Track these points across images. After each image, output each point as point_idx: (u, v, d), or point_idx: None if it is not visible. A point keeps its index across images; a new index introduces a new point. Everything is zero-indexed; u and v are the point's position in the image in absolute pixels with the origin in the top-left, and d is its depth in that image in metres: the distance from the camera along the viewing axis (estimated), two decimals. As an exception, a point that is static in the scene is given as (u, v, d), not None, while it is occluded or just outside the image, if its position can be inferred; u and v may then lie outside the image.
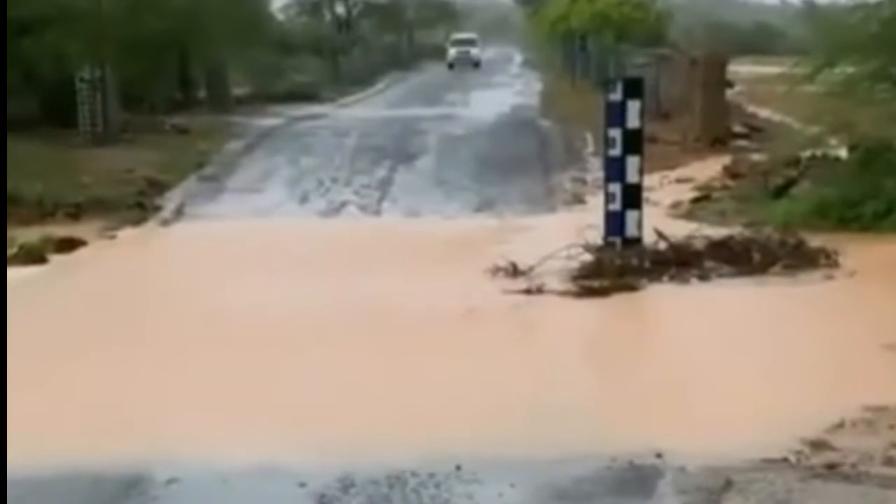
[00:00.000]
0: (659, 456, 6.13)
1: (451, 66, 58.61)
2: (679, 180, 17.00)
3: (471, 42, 62.98)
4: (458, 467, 6.06)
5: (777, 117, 22.84)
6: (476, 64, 59.04)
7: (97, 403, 7.47)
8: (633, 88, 12.09)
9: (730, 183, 16.12)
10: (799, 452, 6.14)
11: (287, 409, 7.22)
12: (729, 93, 22.66)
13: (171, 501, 5.91)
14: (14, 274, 11.90)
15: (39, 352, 8.70)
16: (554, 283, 10.54)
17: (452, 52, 61.31)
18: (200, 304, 10.25)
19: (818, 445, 6.23)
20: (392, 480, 5.96)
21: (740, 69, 29.11)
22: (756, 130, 21.11)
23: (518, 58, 64.42)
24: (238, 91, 32.49)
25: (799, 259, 11.10)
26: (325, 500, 5.77)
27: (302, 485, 5.93)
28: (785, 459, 6.05)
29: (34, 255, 12.71)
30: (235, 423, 7.01)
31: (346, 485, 5.93)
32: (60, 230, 14.07)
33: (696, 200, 15.26)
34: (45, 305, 10.68)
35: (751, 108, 24.71)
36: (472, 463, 6.09)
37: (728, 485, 5.68)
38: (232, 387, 7.73)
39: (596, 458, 6.15)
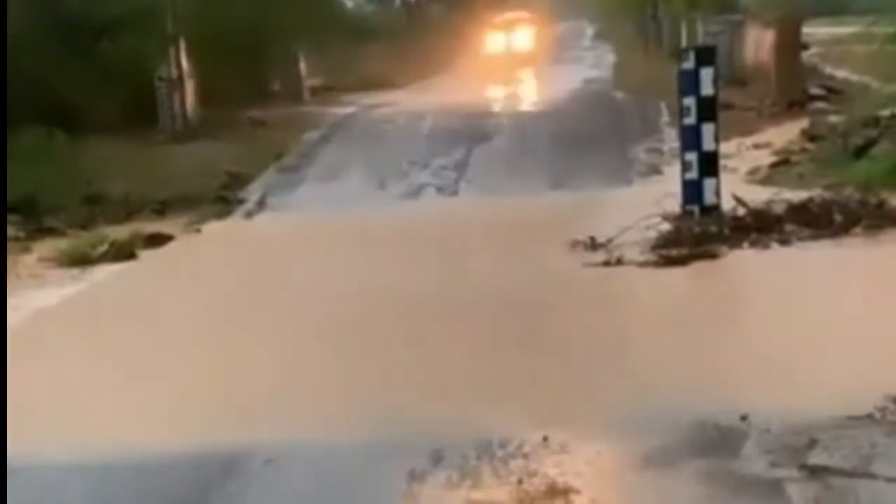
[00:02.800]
0: (744, 418, 6.19)
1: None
2: (757, 146, 16.90)
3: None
4: (545, 438, 6.17)
5: (855, 77, 22.51)
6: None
7: (192, 389, 7.71)
8: (706, 56, 12.07)
9: (808, 146, 15.99)
10: (884, 409, 6.16)
11: (378, 389, 7.40)
12: (804, 55, 22.42)
13: (268, 482, 6.10)
14: (107, 270, 12.28)
15: (135, 342, 8.99)
16: (633, 254, 10.60)
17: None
18: (289, 292, 10.48)
19: (904, 401, 6.25)
20: (480, 452, 6.09)
21: (816, 31, 28.67)
22: (833, 92, 20.84)
23: (589, 30, 63.92)
24: (311, 81, 32.79)
25: (881, 219, 11.01)
26: (416, 474, 5.91)
27: (392, 458, 6.08)
28: (870, 416, 6.08)
29: (124, 251, 13.07)
30: (325, 403, 7.20)
31: (436, 459, 6.07)
32: (147, 226, 14.44)
33: (774, 165, 15.19)
34: (138, 298, 10.99)
35: (828, 70, 24.37)
36: (559, 432, 6.20)
37: (813, 442, 5.73)
38: (323, 368, 7.93)
39: (681, 422, 6.22)
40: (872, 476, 5.30)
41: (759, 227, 11.10)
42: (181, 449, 6.51)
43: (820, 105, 19.61)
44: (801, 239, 10.78)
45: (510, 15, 43.34)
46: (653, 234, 11.10)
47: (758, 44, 22.11)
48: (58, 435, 6.97)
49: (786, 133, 17.20)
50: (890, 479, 5.24)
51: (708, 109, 11.81)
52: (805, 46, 21.94)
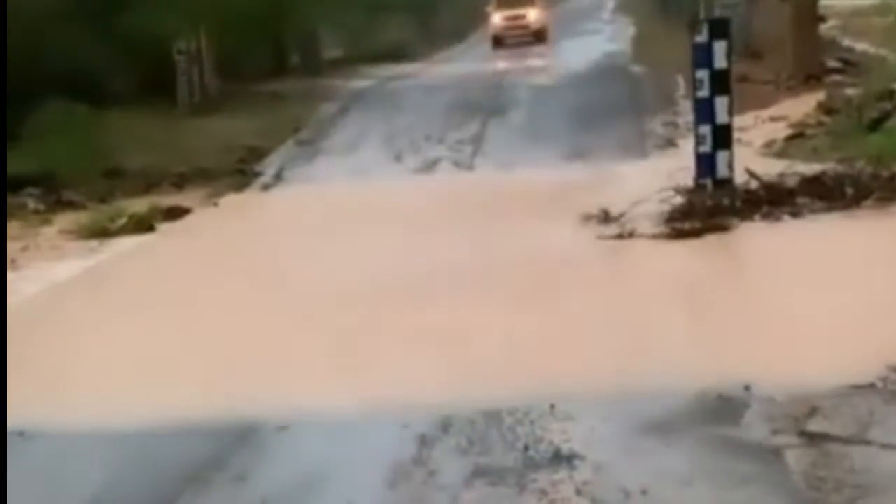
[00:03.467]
0: (748, 388, 6.30)
1: (496, 42, 36.88)
2: (772, 119, 16.92)
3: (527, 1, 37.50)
4: (553, 406, 6.29)
5: (873, 50, 22.46)
6: (536, 35, 36.51)
7: (210, 357, 7.87)
8: (719, 29, 12.12)
9: (824, 119, 16.00)
10: (885, 378, 6.26)
11: (389, 356, 7.55)
12: (823, 27, 22.37)
13: (283, 448, 6.25)
14: (126, 242, 12.45)
15: (153, 313, 9.16)
16: (646, 227, 10.70)
17: (497, 19, 37.63)
18: (306, 262, 10.64)
19: (905, 371, 6.35)
20: (489, 420, 6.22)
21: (836, 2, 28.57)
22: (851, 64, 20.81)
23: (610, 3, 63.74)
24: (330, 54, 32.88)
25: (892, 191, 11.06)
26: (427, 440, 6.05)
27: (404, 426, 6.22)
28: (871, 385, 6.18)
29: (143, 224, 13.25)
30: (339, 370, 7.35)
31: (446, 425, 6.20)
32: (166, 199, 14.62)
33: (789, 138, 15.22)
34: (157, 270, 11.16)
35: (846, 42, 24.31)
36: (566, 401, 6.33)
37: (813, 411, 5.84)
38: (334, 337, 8.08)
39: (686, 392, 6.34)
40: (868, 443, 5.41)
41: (772, 199, 11.16)
42: (199, 415, 6.67)
43: (837, 78, 19.58)
44: (812, 211, 10.85)
45: None
46: (666, 207, 11.19)
47: (775, 16, 22.05)
48: (75, 402, 7.14)
49: (802, 106, 17.21)
50: (885, 446, 5.35)
51: (721, 82, 11.86)
52: (822, 19, 21.88)
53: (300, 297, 9.33)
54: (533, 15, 37.48)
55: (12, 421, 6.55)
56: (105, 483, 5.94)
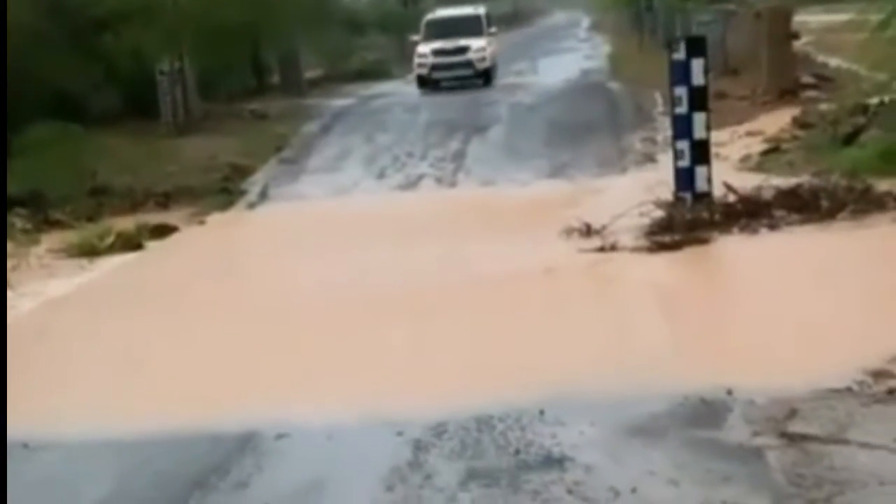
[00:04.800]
0: (729, 392, 6.53)
1: (423, 82, 27.72)
2: (749, 134, 17.23)
3: (469, 25, 28.37)
4: (542, 411, 6.51)
5: (847, 66, 22.83)
6: (482, 76, 27.43)
7: (200, 370, 8.06)
8: (696, 47, 12.39)
9: (799, 133, 16.32)
10: (861, 382, 6.51)
11: (383, 366, 7.76)
12: (797, 43, 22.72)
13: (281, 455, 6.45)
14: (115, 260, 12.63)
15: (144, 328, 9.34)
16: (627, 240, 10.94)
17: (426, 53, 27.90)
18: (295, 278, 10.84)
19: (880, 375, 6.60)
20: (481, 426, 6.44)
21: (810, 19, 28.95)
22: (825, 80, 21.17)
23: (585, 21, 64.07)
24: (310, 74, 33.09)
25: (867, 204, 11.34)
26: (421, 445, 6.26)
27: (399, 433, 6.43)
28: (848, 389, 6.43)
29: (131, 242, 13.42)
30: (333, 380, 7.56)
31: (440, 431, 6.41)
32: (152, 218, 14.78)
33: (765, 153, 15.51)
34: (146, 287, 11.33)
35: (820, 58, 24.68)
36: (555, 406, 6.55)
37: (793, 413, 6.09)
38: (327, 348, 8.29)
39: (670, 397, 6.57)
40: (846, 442, 5.66)
41: (749, 212, 11.43)
42: (194, 426, 6.85)
43: (811, 93, 19.94)
44: (789, 224, 11.12)
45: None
46: (646, 220, 11.44)
47: (750, 33, 22.42)
48: (72, 415, 7.31)
49: (777, 121, 17.53)
50: (862, 444, 5.59)
51: (699, 99, 12.13)
52: (796, 35, 22.24)
53: (285, 310, 9.53)
54: (477, 48, 27.05)
55: (16, 433, 6.72)
56: (107, 491, 6.12)
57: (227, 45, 23.61)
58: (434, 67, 27.53)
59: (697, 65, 12.13)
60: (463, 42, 27.54)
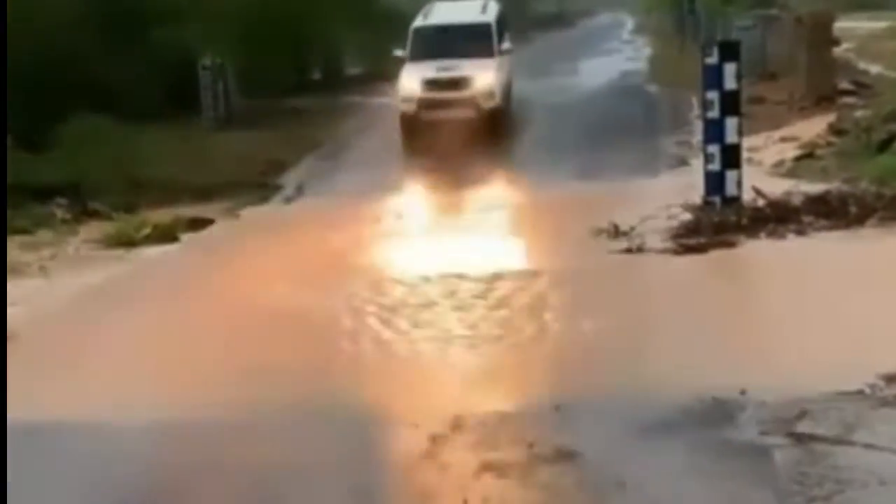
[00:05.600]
0: (742, 392, 6.63)
1: (409, 127, 19.13)
2: (784, 139, 17.22)
3: (475, 38, 19.65)
4: (557, 408, 6.64)
5: (887, 73, 22.75)
6: (489, 120, 18.91)
7: (231, 362, 8.25)
8: (730, 51, 12.47)
9: (834, 140, 16.30)
10: (874, 385, 6.59)
11: (402, 361, 7.91)
12: (838, 50, 22.66)
13: (300, 443, 6.61)
14: (151, 251, 12.86)
15: (176, 319, 9.54)
16: (654, 242, 11.04)
17: (412, 81, 19.30)
18: (326, 273, 11.00)
19: (893, 379, 6.67)
20: (497, 421, 6.57)
21: (854, 25, 28.84)
22: (864, 87, 21.09)
23: (629, 23, 63.82)
24: (352, 71, 33.27)
25: (895, 211, 11.37)
26: (436, 437, 6.40)
27: (415, 426, 6.57)
28: (860, 391, 6.51)
29: (167, 235, 13.64)
30: (352, 372, 7.72)
31: (456, 425, 6.55)
32: (189, 211, 15.00)
33: (799, 158, 15.51)
34: (180, 278, 11.55)
35: (861, 65, 24.59)
36: (570, 403, 6.67)
37: (803, 413, 6.18)
38: (351, 342, 8.46)
39: (683, 396, 6.68)
40: (851, 443, 5.75)
41: (777, 217, 11.50)
42: (217, 414, 7.04)
43: (849, 100, 19.87)
44: (817, 230, 11.17)
45: None
46: (674, 223, 11.53)
47: (790, 38, 22.37)
48: (100, 399, 7.50)
49: (813, 127, 17.50)
50: (868, 446, 5.68)
51: (731, 103, 12.21)
52: (837, 41, 22.17)
53: (319, 301, 9.70)
54: (484, 79, 18.91)
55: (49, 415, 6.94)
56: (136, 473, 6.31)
57: (269, 41, 23.83)
58: (423, 104, 18.55)
59: (730, 69, 12.20)
60: (464, 70, 18.79)
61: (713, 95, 12.23)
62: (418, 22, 20.50)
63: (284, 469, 6.14)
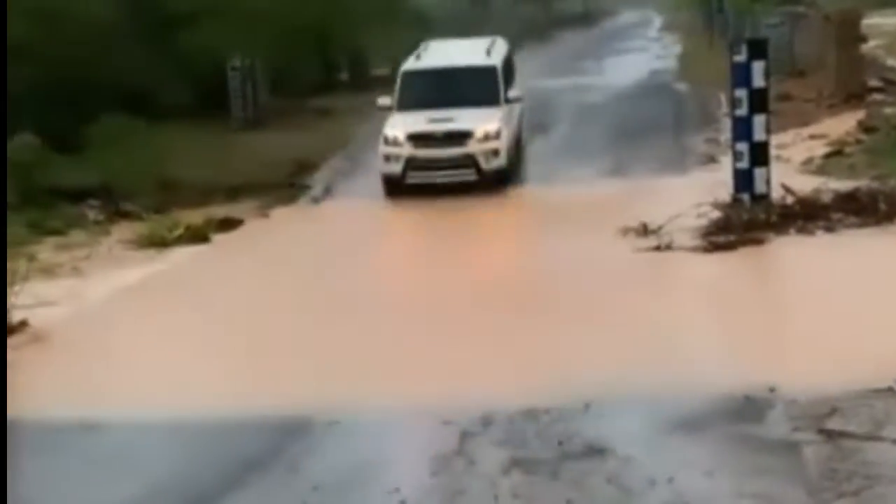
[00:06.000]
0: (772, 390, 6.65)
1: (393, 185, 15.40)
2: (812, 136, 17.17)
3: (477, 84, 16.19)
4: (587, 405, 6.68)
5: (918, 70, 22.63)
6: (492, 180, 15.22)
7: (263, 359, 8.34)
8: (758, 49, 12.46)
9: (863, 137, 16.25)
10: (903, 383, 6.60)
11: (434, 359, 7.97)
12: (866, 47, 22.56)
13: (333, 441, 6.68)
14: (183, 251, 12.97)
15: (210, 317, 9.64)
16: (683, 240, 11.05)
17: (399, 137, 15.54)
18: (357, 271, 11.08)
19: (923, 376, 6.68)
20: (527, 418, 6.62)
21: (883, 21, 28.67)
22: (893, 84, 20.99)
23: (657, 21, 63.52)
24: (378, 71, 33.36)
25: (925, 208, 11.34)
26: (468, 435, 6.46)
27: (446, 423, 6.63)
28: (889, 389, 6.52)
29: (199, 235, 13.72)
30: (384, 371, 7.79)
31: (486, 422, 6.61)
32: (219, 211, 15.09)
33: (827, 156, 15.47)
34: (213, 277, 11.65)
35: (889, 62, 24.45)
36: (600, 400, 6.71)
37: (833, 411, 6.20)
38: (382, 340, 8.52)
39: (714, 393, 6.71)
40: (881, 439, 5.77)
41: (806, 214, 11.49)
42: (251, 412, 7.12)
43: (878, 97, 19.78)
44: (846, 226, 11.16)
45: None
46: (703, 221, 11.54)
47: (818, 36, 22.30)
48: (143, 395, 7.60)
49: (842, 124, 17.45)
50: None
51: (759, 101, 12.20)
52: (865, 38, 22.07)
53: (349, 301, 9.78)
54: (486, 132, 15.57)
55: (86, 412, 7.04)
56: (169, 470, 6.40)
57: (297, 42, 23.93)
58: (411, 164, 15.24)
59: (758, 67, 12.20)
60: (462, 121, 15.42)
61: (742, 93, 12.23)
62: (409, 64, 17.01)
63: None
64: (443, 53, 17.09)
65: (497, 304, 9.39)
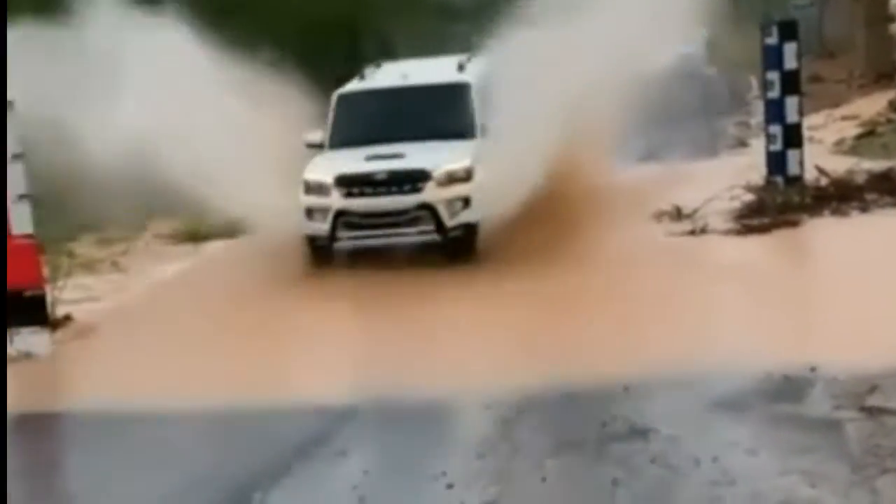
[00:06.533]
0: (813, 369, 6.69)
1: (322, 253, 10.98)
2: (844, 118, 17.15)
3: (445, 109, 11.65)
4: (627, 387, 6.74)
5: (947, 48, 22.48)
6: (456, 247, 10.80)
7: (302, 349, 8.44)
8: (788, 31, 12.47)
9: (894, 117, 16.23)
10: (943, 359, 6.63)
11: (474, 343, 8.04)
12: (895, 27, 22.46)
13: (378, 425, 6.77)
14: (218, 245, 13.08)
15: (246, 309, 9.75)
16: (717, 224, 11.09)
17: (325, 182, 10.99)
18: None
19: (963, 352, 6.71)
20: (568, 400, 6.69)
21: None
22: (924, 62, 20.90)
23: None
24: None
25: (960, 187, 11.33)
26: (510, 419, 6.53)
27: (488, 407, 6.71)
28: (929, 365, 6.56)
29: (232, 228, 13.77)
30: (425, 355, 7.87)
31: (528, 406, 6.69)
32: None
33: (860, 136, 15.47)
34: (248, 270, 11.75)
35: (920, 40, 24.32)
36: (640, 382, 6.78)
37: (873, 388, 6.25)
38: (424, 328, 8.60)
39: (754, 373, 6.76)
40: (923, 415, 5.81)
41: (840, 195, 11.50)
42: (296, 399, 7.22)
43: (910, 76, 19.70)
44: (881, 207, 11.17)
45: None
46: (737, 204, 11.56)
47: (847, 16, 22.21)
48: (176, 389, 7.70)
49: (873, 105, 17.42)
50: (939, 418, 5.75)
51: (791, 83, 12.22)
52: (893, 18, 21.96)
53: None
54: (448, 168, 11.00)
55: (132, 404, 7.17)
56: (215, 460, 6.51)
57: (325, 34, 24.01)
58: (343, 220, 11.00)
59: (790, 49, 12.21)
60: (415, 158, 11.10)
61: (773, 75, 12.25)
62: (350, 86, 12.53)
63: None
64: (395, 73, 12.46)
65: (534, 288, 9.44)
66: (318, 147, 11.57)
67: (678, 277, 9.45)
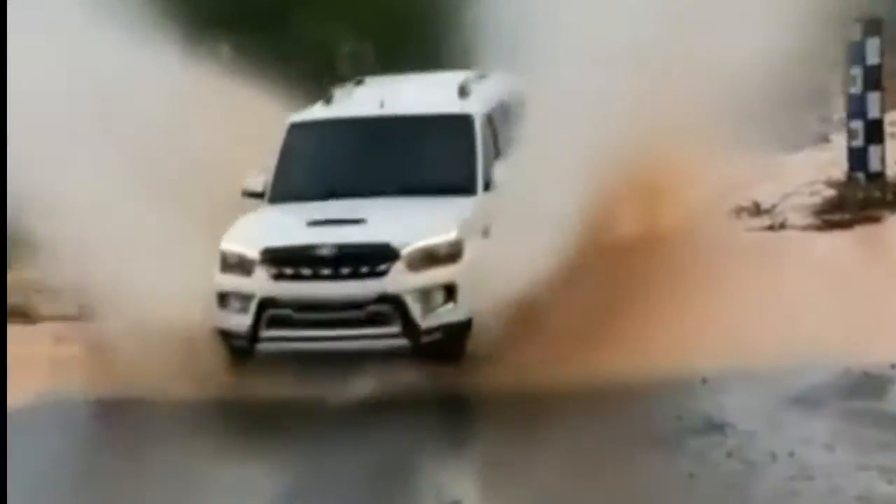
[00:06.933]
0: (893, 366, 6.68)
1: (241, 354, 7.69)
2: (927, 113, 16.88)
3: (443, 150, 8.48)
4: (705, 380, 6.78)
5: None
6: (434, 353, 7.60)
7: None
8: (872, 26, 12.34)
9: (979, 113, 15.94)
10: None
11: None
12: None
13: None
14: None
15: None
16: (797, 219, 11.02)
17: (251, 257, 7.68)
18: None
19: None
20: (645, 392, 6.74)
21: None
22: None
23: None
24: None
25: None
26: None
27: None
28: None
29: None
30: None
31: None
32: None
33: (944, 132, 15.22)
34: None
35: None
36: (717, 376, 6.80)
37: (957, 386, 6.23)
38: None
39: (833, 369, 6.76)
40: None
41: (923, 192, 11.37)
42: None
43: None
44: (963, 204, 11.03)
45: None
46: (817, 199, 11.49)
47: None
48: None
49: (960, 99, 17.11)
50: None
51: (874, 78, 12.10)
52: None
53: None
54: (425, 233, 7.80)
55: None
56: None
57: (408, 25, 24.11)
58: (269, 313, 7.77)
59: (872, 44, 12.10)
60: (378, 224, 7.92)
61: (856, 71, 12.15)
62: (307, 112, 9.05)
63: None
64: (373, 95, 8.97)
65: (613, 279, 9.42)
66: (259, 197, 8.40)
67: (756, 272, 9.39)
